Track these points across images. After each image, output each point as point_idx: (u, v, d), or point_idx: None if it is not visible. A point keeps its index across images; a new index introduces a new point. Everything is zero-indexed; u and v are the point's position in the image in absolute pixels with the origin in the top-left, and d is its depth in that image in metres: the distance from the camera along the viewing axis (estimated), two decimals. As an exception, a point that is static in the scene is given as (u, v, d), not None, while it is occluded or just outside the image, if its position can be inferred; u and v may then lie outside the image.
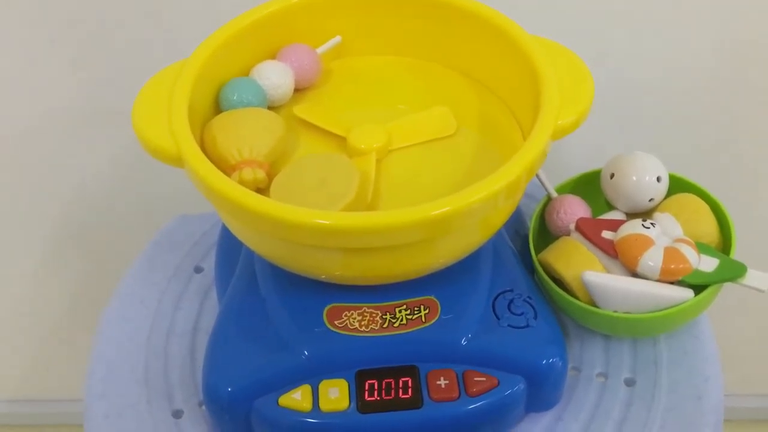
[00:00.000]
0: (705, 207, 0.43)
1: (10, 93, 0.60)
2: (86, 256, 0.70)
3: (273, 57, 0.45)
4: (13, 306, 0.76)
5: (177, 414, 0.43)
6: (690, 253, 0.40)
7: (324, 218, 0.34)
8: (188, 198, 0.58)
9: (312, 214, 0.34)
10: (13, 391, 0.85)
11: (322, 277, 0.40)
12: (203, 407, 0.43)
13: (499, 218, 0.40)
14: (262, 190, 0.39)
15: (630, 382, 0.43)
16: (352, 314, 0.41)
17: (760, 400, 0.84)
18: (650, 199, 0.44)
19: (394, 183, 0.40)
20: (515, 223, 0.50)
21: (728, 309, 0.55)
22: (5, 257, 0.71)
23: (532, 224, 0.45)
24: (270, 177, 0.39)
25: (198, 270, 0.50)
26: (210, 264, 0.50)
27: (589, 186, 0.47)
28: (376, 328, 0.40)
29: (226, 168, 0.39)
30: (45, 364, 0.82)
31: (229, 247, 0.47)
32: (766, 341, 0.77)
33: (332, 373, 0.40)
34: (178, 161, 0.38)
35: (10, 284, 0.73)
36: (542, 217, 0.46)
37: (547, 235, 0.46)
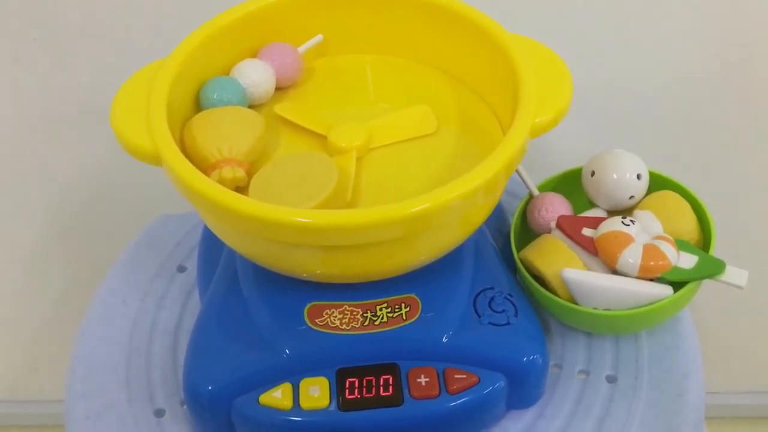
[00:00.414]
0: (685, 204, 0.43)
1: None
2: (70, 257, 0.70)
3: (254, 55, 0.45)
4: (1, 307, 0.75)
5: (159, 413, 0.43)
6: (669, 251, 0.40)
7: (302, 216, 0.34)
8: (172, 198, 0.58)
9: (290, 213, 0.34)
10: (1, 392, 0.85)
11: (303, 276, 0.40)
12: (185, 406, 0.42)
13: (478, 216, 0.40)
14: (242, 188, 0.39)
15: (611, 379, 0.43)
16: (333, 312, 0.41)
17: (742, 397, 0.84)
18: (630, 197, 0.44)
19: (374, 181, 0.40)
20: (497, 221, 0.50)
21: (709, 306, 0.56)
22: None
23: (513, 222, 0.45)
24: (250, 176, 0.39)
25: (181, 269, 0.50)
26: (193, 263, 0.50)
27: (571, 184, 0.47)
28: (357, 326, 0.40)
29: (206, 167, 0.39)
30: (31, 365, 0.81)
31: (211, 246, 0.47)
32: (748, 338, 0.77)
33: (313, 371, 0.40)
34: (156, 160, 0.38)
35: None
36: (524, 215, 0.46)
37: (529, 232, 0.46)
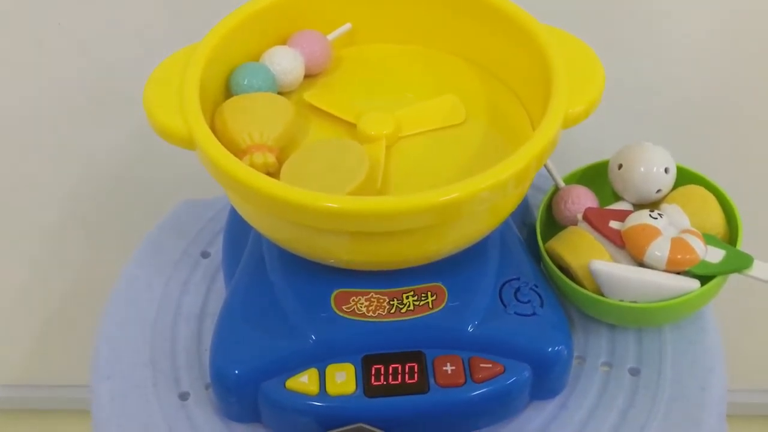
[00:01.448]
0: (712, 199, 0.43)
1: (17, 76, 0.60)
2: (91, 241, 0.71)
3: (284, 43, 0.45)
4: (16, 291, 0.76)
5: (183, 396, 0.43)
6: (697, 244, 0.41)
7: (333, 201, 0.34)
8: (195, 184, 0.58)
9: (321, 198, 0.34)
10: (15, 376, 0.85)
11: (331, 262, 0.40)
12: (210, 390, 0.43)
13: (507, 206, 0.40)
14: (272, 174, 0.39)
15: (634, 372, 0.43)
16: (360, 299, 0.41)
17: (763, 395, 0.84)
18: (658, 191, 0.44)
19: (404, 169, 0.41)
20: (522, 213, 0.50)
21: (734, 305, 0.55)
22: (10, 241, 0.71)
23: (539, 214, 0.45)
24: (280, 162, 0.40)
25: (205, 255, 0.50)
26: (216, 249, 0.50)
27: (596, 177, 0.47)
28: (384, 313, 0.40)
29: (237, 152, 0.39)
30: (48, 349, 0.82)
31: (237, 232, 0.47)
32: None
33: (339, 357, 0.40)
34: (188, 143, 0.38)
35: (15, 268, 0.73)
36: (549, 208, 0.46)
37: (554, 225, 0.46)
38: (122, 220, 0.67)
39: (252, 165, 0.38)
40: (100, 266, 0.71)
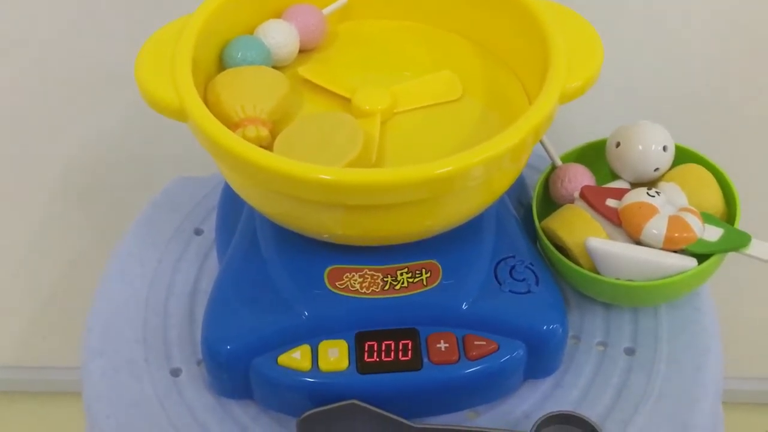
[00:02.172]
0: (710, 177, 0.43)
1: (10, 52, 0.59)
2: (85, 219, 0.70)
3: (279, 16, 0.44)
4: (9, 271, 0.75)
5: (175, 372, 0.42)
6: (694, 222, 0.40)
7: (327, 173, 0.34)
8: (188, 161, 0.58)
9: (315, 169, 0.34)
10: (10, 357, 0.85)
11: (325, 237, 0.40)
12: (201, 366, 0.42)
13: (502, 182, 0.39)
14: (265, 148, 0.38)
15: (630, 352, 0.43)
16: (353, 276, 0.41)
17: (759, 383, 0.84)
18: (655, 169, 0.43)
19: (399, 144, 0.40)
20: (518, 192, 0.49)
21: (727, 291, 0.55)
22: (5, 219, 0.70)
23: (535, 193, 0.45)
24: (273, 136, 0.39)
25: (198, 232, 0.50)
26: (210, 226, 0.50)
27: (594, 156, 0.46)
28: (377, 290, 0.40)
29: (230, 125, 0.38)
30: (43, 330, 0.81)
31: (231, 209, 0.47)
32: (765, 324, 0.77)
33: (332, 334, 0.40)
34: (180, 114, 0.37)
35: (10, 247, 0.73)
36: (546, 186, 0.46)
37: (550, 204, 0.45)
38: (116, 198, 0.67)
39: (245, 138, 0.38)
40: (94, 245, 0.71)
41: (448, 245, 0.41)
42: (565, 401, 0.41)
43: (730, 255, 0.41)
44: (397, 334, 0.40)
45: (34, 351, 0.84)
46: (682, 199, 0.42)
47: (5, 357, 0.85)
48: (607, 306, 0.45)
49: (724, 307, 0.47)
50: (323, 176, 0.34)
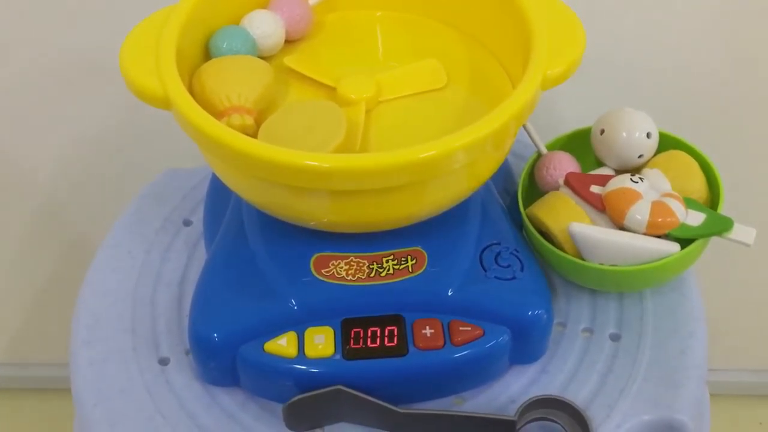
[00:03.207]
0: (694, 164, 0.43)
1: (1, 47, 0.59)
2: (76, 213, 0.70)
3: (264, 6, 0.44)
4: (4, 268, 0.75)
5: (163, 361, 0.43)
6: (677, 208, 0.40)
7: (311, 159, 0.34)
8: (178, 154, 0.58)
9: (301, 156, 0.34)
10: (3, 354, 0.85)
11: (310, 224, 0.40)
12: (189, 355, 0.43)
13: (486, 167, 0.40)
14: (251, 137, 0.39)
15: (615, 337, 0.43)
16: (339, 263, 0.41)
17: (744, 374, 0.84)
18: (640, 156, 0.44)
19: (383, 132, 0.40)
20: (504, 180, 0.50)
21: (713, 284, 0.56)
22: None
23: (521, 181, 0.45)
24: (258, 125, 0.39)
25: (187, 223, 0.50)
26: (198, 218, 0.50)
27: (579, 144, 0.47)
28: (363, 277, 0.40)
29: (215, 114, 0.39)
30: (36, 326, 0.81)
31: (218, 199, 0.47)
32: (754, 315, 0.78)
33: (318, 320, 0.40)
34: (165, 103, 0.37)
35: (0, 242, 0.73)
36: (531, 175, 0.46)
37: (536, 192, 0.45)
38: (106, 192, 0.67)
39: (230, 126, 0.38)
40: (85, 239, 0.71)
41: (434, 232, 0.42)
42: (550, 386, 0.41)
43: (715, 239, 0.41)
44: (382, 321, 0.40)
45: (27, 347, 0.84)
46: (666, 185, 0.42)
47: (0, 354, 0.85)
48: (592, 293, 0.45)
49: (711, 296, 0.47)
50: (307, 162, 0.34)
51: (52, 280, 0.77)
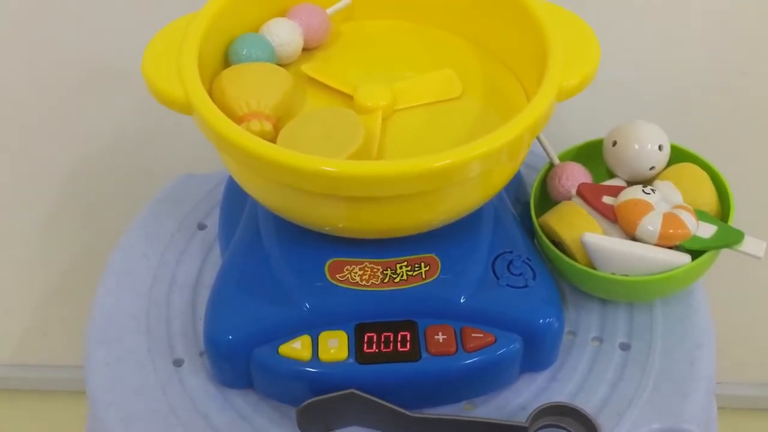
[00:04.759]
0: (705, 176, 0.44)
1: (15, 50, 0.60)
2: (89, 217, 0.71)
3: (283, 15, 0.45)
4: (13, 267, 0.76)
5: (178, 363, 0.43)
6: (688, 219, 0.41)
7: (329, 165, 0.35)
8: (193, 160, 0.58)
9: (319, 161, 0.35)
10: (10, 355, 0.85)
11: (326, 229, 0.40)
12: (203, 357, 0.43)
13: (500, 177, 0.40)
14: (269, 142, 0.40)
15: (625, 347, 0.44)
16: (354, 269, 0.41)
17: (752, 388, 0.84)
18: (651, 168, 0.44)
19: (400, 141, 0.41)
20: (517, 190, 0.50)
21: (724, 296, 0.56)
22: (7, 216, 0.71)
23: (533, 190, 0.46)
24: (276, 130, 0.40)
25: (201, 227, 0.51)
26: (213, 222, 0.50)
27: (591, 155, 0.47)
28: (377, 282, 0.41)
29: (234, 119, 0.39)
30: (44, 327, 0.82)
31: (234, 203, 0.48)
32: (762, 329, 0.78)
33: (332, 325, 0.40)
34: (186, 108, 0.38)
35: (12, 244, 0.74)
36: (544, 185, 0.47)
37: (548, 202, 0.46)
38: (121, 196, 0.68)
39: (249, 132, 0.39)
40: (97, 243, 0.71)
41: (447, 240, 0.42)
42: (560, 394, 0.42)
43: (726, 253, 0.42)
44: (396, 326, 0.40)
45: (34, 349, 0.85)
46: (677, 197, 0.42)
47: (6, 355, 0.85)
48: (603, 302, 0.46)
49: (719, 309, 0.48)
50: (325, 167, 0.35)
51: (63, 285, 0.77)
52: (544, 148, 0.46)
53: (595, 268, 0.42)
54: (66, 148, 0.66)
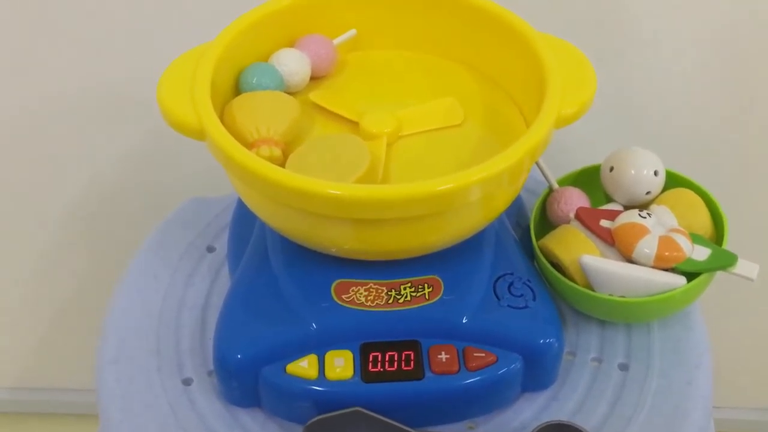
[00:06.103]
0: (699, 201, 0.45)
1: (28, 75, 0.61)
2: (99, 240, 0.72)
3: (291, 45, 0.47)
4: (25, 288, 0.77)
5: (187, 382, 0.44)
6: (684, 242, 0.42)
7: (335, 188, 0.36)
8: (201, 184, 0.60)
9: (325, 185, 0.36)
10: (19, 378, 0.86)
11: (332, 251, 0.42)
12: (212, 376, 0.44)
13: (501, 201, 0.42)
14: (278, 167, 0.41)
15: (623, 367, 0.45)
16: (359, 290, 0.43)
17: (750, 413, 0.85)
18: (647, 192, 0.46)
19: (404, 166, 0.42)
20: (517, 214, 0.52)
21: (720, 321, 0.57)
22: (17, 238, 0.72)
23: (533, 214, 0.47)
24: (285, 156, 0.41)
25: (210, 249, 0.52)
26: (221, 244, 0.52)
27: (589, 180, 0.49)
28: (382, 303, 0.42)
29: (245, 145, 0.41)
30: (53, 351, 0.83)
31: (243, 226, 0.49)
32: (758, 354, 0.78)
33: (338, 344, 0.41)
34: (199, 134, 0.40)
35: (22, 267, 0.75)
36: (543, 209, 0.48)
37: (547, 226, 0.47)
38: (131, 219, 0.69)
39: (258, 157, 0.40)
40: (106, 266, 0.72)
41: (450, 262, 0.43)
42: (560, 414, 0.43)
43: (720, 276, 0.43)
44: (400, 346, 0.41)
45: (43, 372, 0.85)
46: (673, 221, 0.44)
47: (15, 378, 0.86)
48: (601, 323, 0.47)
49: (715, 334, 0.49)
50: (332, 191, 0.36)
51: (71, 308, 0.78)
52: (544, 174, 0.48)
53: (593, 290, 0.43)
54: (80, 172, 0.67)
